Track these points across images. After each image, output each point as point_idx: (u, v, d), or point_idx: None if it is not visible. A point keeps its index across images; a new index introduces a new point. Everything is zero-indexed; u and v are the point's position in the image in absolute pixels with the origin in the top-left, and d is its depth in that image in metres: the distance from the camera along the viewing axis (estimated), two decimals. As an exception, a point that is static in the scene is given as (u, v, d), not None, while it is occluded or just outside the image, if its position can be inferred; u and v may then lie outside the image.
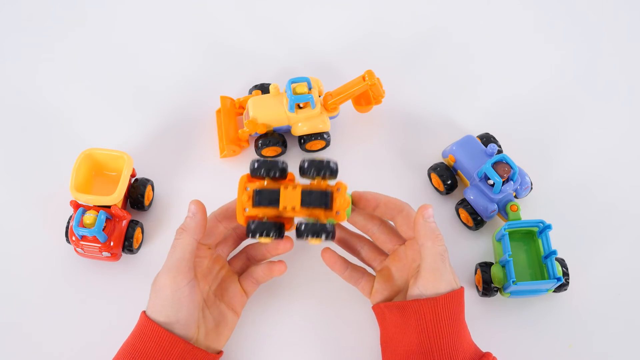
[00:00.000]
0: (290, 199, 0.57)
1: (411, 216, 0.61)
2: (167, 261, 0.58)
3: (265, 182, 0.58)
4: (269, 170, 0.57)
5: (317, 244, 0.58)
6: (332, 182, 0.59)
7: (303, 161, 0.58)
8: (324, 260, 0.64)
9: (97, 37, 0.85)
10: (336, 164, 0.58)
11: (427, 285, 0.57)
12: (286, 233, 0.61)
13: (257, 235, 0.57)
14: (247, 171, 0.59)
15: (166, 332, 0.56)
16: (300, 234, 0.57)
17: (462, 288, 0.59)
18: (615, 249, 0.72)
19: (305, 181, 0.59)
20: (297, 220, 0.59)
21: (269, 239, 0.57)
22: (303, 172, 0.58)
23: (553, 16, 0.88)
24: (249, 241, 0.67)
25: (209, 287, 0.62)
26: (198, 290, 0.59)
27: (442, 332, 0.56)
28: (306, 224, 0.56)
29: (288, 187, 0.57)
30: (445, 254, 0.58)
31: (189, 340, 0.58)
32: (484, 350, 0.60)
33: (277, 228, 0.57)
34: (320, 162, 0.57)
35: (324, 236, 0.56)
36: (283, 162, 0.58)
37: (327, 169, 0.57)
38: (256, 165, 0.57)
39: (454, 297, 0.57)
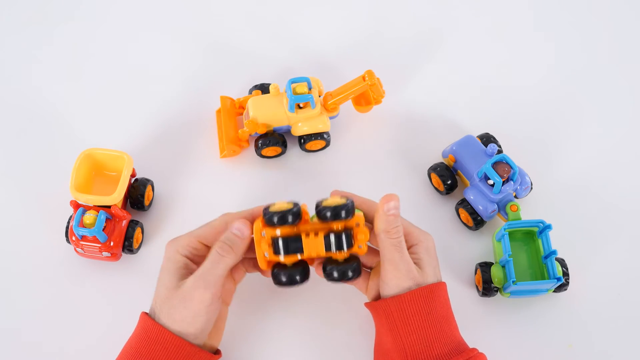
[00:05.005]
0: (313, 246, 0.56)
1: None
2: (206, 275, 0.56)
3: (279, 232, 0.57)
4: (283, 220, 0.56)
5: None
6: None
7: (320, 210, 0.56)
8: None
9: (97, 36, 0.85)
10: (352, 202, 0.56)
11: (388, 276, 0.57)
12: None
13: (287, 284, 0.57)
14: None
15: (174, 336, 0.56)
16: (332, 278, 0.57)
17: (438, 283, 0.59)
18: (615, 249, 0.72)
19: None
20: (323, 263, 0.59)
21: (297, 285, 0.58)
22: (322, 217, 0.56)
23: (553, 15, 0.88)
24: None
25: None
26: (220, 301, 0.59)
27: (411, 329, 0.56)
28: (337, 269, 0.57)
29: (310, 234, 0.56)
30: (400, 245, 0.57)
31: (198, 344, 0.57)
32: (479, 348, 0.59)
33: (304, 272, 0.58)
34: (337, 207, 0.55)
35: (351, 274, 0.57)
36: (296, 205, 0.56)
37: (346, 212, 0.56)
38: (268, 216, 0.56)
39: (422, 293, 0.57)
